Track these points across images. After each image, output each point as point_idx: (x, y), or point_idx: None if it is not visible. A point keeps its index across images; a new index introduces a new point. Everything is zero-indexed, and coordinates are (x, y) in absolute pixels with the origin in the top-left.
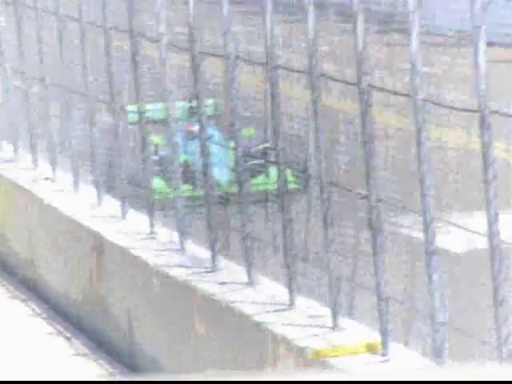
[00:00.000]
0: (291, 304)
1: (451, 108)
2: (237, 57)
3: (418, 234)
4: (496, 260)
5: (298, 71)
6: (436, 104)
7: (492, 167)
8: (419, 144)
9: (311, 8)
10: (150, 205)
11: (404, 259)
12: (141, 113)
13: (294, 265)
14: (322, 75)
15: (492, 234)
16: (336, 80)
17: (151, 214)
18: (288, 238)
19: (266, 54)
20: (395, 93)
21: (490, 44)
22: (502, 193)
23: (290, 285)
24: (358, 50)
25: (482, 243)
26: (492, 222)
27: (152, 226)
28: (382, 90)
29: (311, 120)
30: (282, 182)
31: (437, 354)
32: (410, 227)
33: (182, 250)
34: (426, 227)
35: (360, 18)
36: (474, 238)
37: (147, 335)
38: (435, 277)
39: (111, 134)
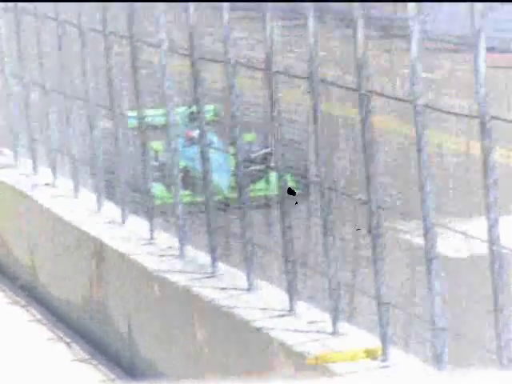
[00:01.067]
0: (291, 309)
1: (452, 114)
2: (237, 62)
3: (418, 240)
4: (496, 265)
5: (298, 77)
6: (436, 110)
7: (492, 172)
8: (419, 149)
9: (311, 13)
10: (150, 210)
11: (404, 265)
12: (141, 118)
13: (294, 270)
14: (322, 80)
15: (492, 240)
16: (336, 86)
17: (151, 220)
18: (288, 244)
19: (266, 60)
20: (395, 98)
21: (489, 50)
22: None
23: (290, 290)
24: (358, 56)
25: (481, 249)
26: (492, 227)
27: (152, 231)
28: (382, 95)
29: (311, 125)
30: (282, 188)
31: (437, 359)
32: (410, 233)
33: (181, 255)
34: (427, 233)
35: (360, 24)
36: (473, 244)
37: (147, 341)
38: (435, 282)
39: (111, 140)
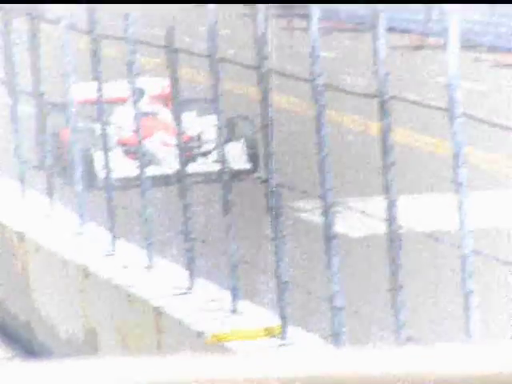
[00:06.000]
0: (190, 287)
1: (351, 93)
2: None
3: (318, 219)
4: (394, 245)
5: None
6: (336, 89)
7: (390, 152)
8: (319, 129)
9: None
10: (50, 185)
11: (304, 243)
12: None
13: (194, 248)
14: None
15: (390, 219)
16: (235, 63)
17: (50, 194)
18: (188, 221)
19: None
20: (296, 78)
21: (390, 29)
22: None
23: (190, 268)
24: (258, 34)
25: (379, 228)
26: (391, 206)
27: (52, 208)
28: (283, 74)
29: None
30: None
31: (334, 337)
32: (310, 211)
33: (81, 232)
34: (326, 212)
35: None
36: (371, 223)
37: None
38: (334, 261)
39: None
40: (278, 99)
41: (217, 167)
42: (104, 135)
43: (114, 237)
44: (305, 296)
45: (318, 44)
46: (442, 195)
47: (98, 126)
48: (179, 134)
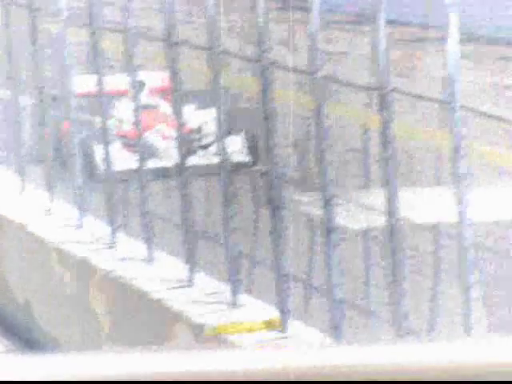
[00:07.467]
0: (191, 280)
1: (352, 86)
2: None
3: (318, 211)
4: (395, 237)
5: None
6: (336, 82)
7: (391, 144)
8: (319, 121)
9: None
10: (49, 180)
11: (303, 236)
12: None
13: (194, 241)
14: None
15: (391, 212)
16: (236, 56)
17: (51, 189)
18: (188, 214)
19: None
20: (296, 70)
21: (390, 22)
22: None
23: (190, 261)
24: (259, 27)
25: (379, 220)
26: (391, 199)
27: (51, 201)
28: (282, 67)
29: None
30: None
31: (334, 330)
32: (309, 204)
33: (80, 225)
34: (326, 204)
35: None
36: (371, 216)
37: (44, 312)
38: (334, 254)
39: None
40: (278, 92)
41: (217, 160)
42: (104, 128)
43: (114, 230)
44: (305, 289)
45: (317, 37)
46: (444, 188)
47: (98, 119)
48: (179, 126)
